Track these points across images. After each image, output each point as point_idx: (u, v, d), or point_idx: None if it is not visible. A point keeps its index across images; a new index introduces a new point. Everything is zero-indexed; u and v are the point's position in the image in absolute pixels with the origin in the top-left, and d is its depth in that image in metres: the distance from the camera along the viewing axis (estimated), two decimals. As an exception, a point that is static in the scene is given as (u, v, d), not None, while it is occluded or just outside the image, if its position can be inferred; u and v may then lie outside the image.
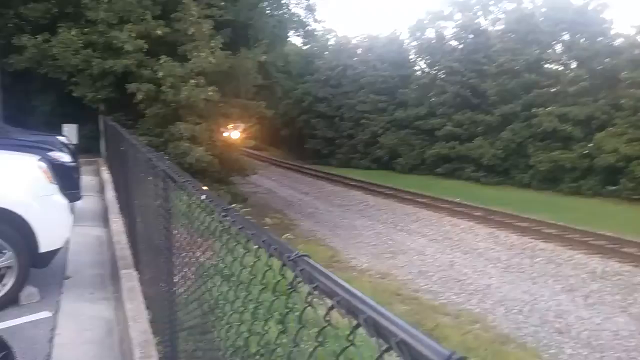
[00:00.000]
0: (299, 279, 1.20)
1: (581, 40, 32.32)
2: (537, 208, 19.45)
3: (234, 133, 29.10)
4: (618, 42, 31.25)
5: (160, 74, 15.02)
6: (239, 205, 9.38)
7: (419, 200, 21.24)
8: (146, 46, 15.47)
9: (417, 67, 43.39)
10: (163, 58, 15.12)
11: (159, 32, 15.69)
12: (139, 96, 15.03)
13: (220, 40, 16.07)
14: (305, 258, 1.24)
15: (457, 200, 21.24)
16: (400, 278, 12.57)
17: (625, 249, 13.80)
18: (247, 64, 17.40)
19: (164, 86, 15.03)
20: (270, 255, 1.39)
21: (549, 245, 14.54)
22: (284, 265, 1.28)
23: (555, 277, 12.39)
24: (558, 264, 13.21)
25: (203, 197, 2.35)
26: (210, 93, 15.13)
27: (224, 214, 1.94)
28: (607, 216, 18.80)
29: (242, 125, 30.94)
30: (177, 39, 16.16)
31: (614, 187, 25.73)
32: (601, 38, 31.45)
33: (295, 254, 1.26)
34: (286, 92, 38.92)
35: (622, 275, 12.26)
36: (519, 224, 16.61)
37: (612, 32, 31.97)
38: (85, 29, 15.78)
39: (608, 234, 14.99)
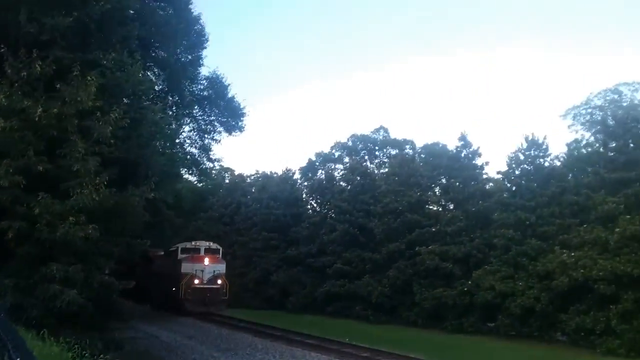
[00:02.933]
0: None
1: (456, 184, 35.35)
2: (422, 348, 19.73)
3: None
4: (488, 186, 34.62)
5: (37, 211, 14.24)
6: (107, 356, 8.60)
7: (308, 341, 21.00)
8: (24, 182, 14.76)
9: (308, 206, 44.88)
10: (41, 194, 14.43)
11: (40, 168, 15.11)
12: (10, 234, 14.00)
13: (106, 178, 15.72)
14: None
15: (346, 340, 21.13)
16: None
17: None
18: (134, 201, 17.02)
19: (39, 224, 14.18)
20: None
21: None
22: None
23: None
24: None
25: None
26: (90, 231, 14.45)
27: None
28: (486, 354, 19.38)
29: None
30: (60, 175, 15.60)
31: (492, 324, 26.92)
32: (474, 182, 34.66)
33: None
34: (177, 230, 38.18)
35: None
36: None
37: (484, 177, 35.49)
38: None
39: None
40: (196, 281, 29.09)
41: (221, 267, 30.54)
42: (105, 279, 15.20)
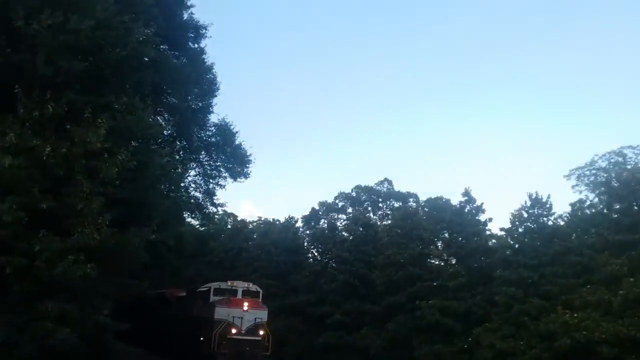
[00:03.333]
0: None
1: (459, 239, 35.26)
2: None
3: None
4: (491, 242, 34.51)
5: (37, 248, 14.32)
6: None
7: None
8: (26, 219, 14.89)
9: (309, 255, 44.76)
10: (42, 232, 14.54)
11: (43, 206, 15.28)
12: (8, 270, 14.04)
13: (109, 218, 15.85)
14: None
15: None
16: None
17: None
18: (135, 242, 17.08)
19: (38, 260, 14.24)
20: None
21: None
22: None
23: None
24: None
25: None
26: (88, 270, 14.48)
27: None
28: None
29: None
30: (63, 213, 15.74)
31: (492, 383, 26.32)
32: (476, 238, 34.56)
33: None
34: (176, 272, 38.03)
35: None
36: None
37: (487, 233, 35.40)
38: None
39: None
40: (233, 330, 23.95)
41: (263, 315, 25.47)
42: (101, 319, 15.11)
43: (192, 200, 32.54)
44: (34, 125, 15.43)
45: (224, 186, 33.59)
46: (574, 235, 31.48)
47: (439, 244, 38.42)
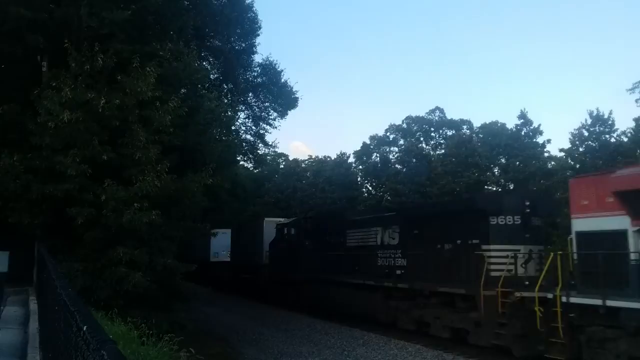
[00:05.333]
0: None
1: (516, 163, 34.36)
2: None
3: None
4: (550, 164, 33.46)
5: (103, 197, 14.86)
6: (169, 336, 8.93)
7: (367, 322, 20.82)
8: (90, 170, 15.41)
9: (363, 189, 44.85)
10: (107, 182, 15.04)
11: (104, 157, 15.73)
12: (79, 220, 14.70)
13: (167, 164, 16.20)
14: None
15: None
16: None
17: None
18: (193, 187, 17.47)
19: (105, 210, 14.82)
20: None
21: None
22: None
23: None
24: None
25: (85, 327, 2.26)
26: (153, 217, 14.98)
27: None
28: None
29: None
30: (123, 163, 16.19)
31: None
32: (534, 161, 33.60)
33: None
34: (235, 214, 39.03)
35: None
36: (464, 346, 16.40)
37: (545, 155, 34.31)
38: (29, 155, 15.70)
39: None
40: None
41: None
42: (169, 262, 15.72)
43: (244, 143, 32.88)
44: (86, 79, 15.70)
45: (274, 126, 33.70)
46: (638, 151, 30.02)
47: (496, 170, 37.62)
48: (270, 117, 33.45)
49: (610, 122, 30.61)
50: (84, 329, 2.22)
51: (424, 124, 47.12)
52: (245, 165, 41.70)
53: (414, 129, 47.28)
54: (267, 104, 33.11)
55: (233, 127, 29.08)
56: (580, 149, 30.47)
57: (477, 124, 43.59)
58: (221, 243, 35.19)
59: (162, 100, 16.20)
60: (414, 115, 47.86)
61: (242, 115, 33.07)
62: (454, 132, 44.92)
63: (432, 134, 48.12)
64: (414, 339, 17.44)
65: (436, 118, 47.24)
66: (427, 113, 47.89)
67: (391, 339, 17.70)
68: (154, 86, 15.85)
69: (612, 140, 30.31)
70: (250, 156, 35.08)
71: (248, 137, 34.04)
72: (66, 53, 15.86)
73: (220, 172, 22.99)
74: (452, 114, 49.22)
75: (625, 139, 30.82)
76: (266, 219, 30.99)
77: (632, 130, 31.32)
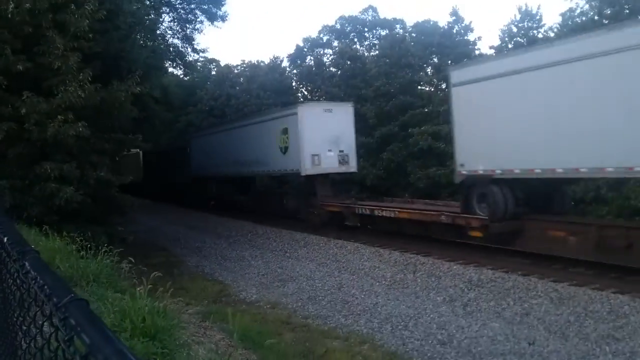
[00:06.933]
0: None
1: (448, 62, 34.64)
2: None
3: None
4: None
5: (23, 111, 13.98)
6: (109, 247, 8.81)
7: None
8: (5, 82, 14.34)
9: (299, 94, 44.35)
10: (26, 94, 14.10)
11: (19, 67, 14.62)
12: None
13: (89, 73, 15.28)
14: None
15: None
16: (290, 306, 12.52)
17: (498, 257, 14.91)
18: (120, 96, 16.68)
19: (27, 124, 13.99)
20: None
21: (428, 259, 15.26)
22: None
23: (437, 290, 13.00)
24: (438, 277, 13.88)
25: (5, 239, 2.14)
26: (80, 129, 14.30)
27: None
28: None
29: None
30: (41, 74, 15.15)
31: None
32: (466, 59, 33.94)
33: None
34: (167, 125, 37.91)
35: (496, 281, 13.13)
36: (400, 241, 17.33)
37: (476, 52, 34.71)
38: None
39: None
40: None
41: None
42: (102, 175, 15.26)
43: (171, 49, 31.37)
44: (-11, -21, 14.16)
45: (202, 30, 32.18)
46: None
47: (429, 69, 37.89)
48: (197, 19, 31.79)
49: (538, 17, 31.07)
50: (5, 240, 2.08)
51: (357, 24, 46.24)
52: (175, 72, 40.08)
53: (348, 30, 46.42)
54: (193, 5, 31.32)
55: (158, 32, 27.57)
56: (509, 46, 30.98)
57: (410, 23, 43.33)
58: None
59: (77, 3, 14.96)
60: (347, 15, 46.83)
61: (167, 18, 31.27)
62: (387, 32, 44.44)
63: (366, 34, 47.47)
64: (352, 238, 18.17)
65: (369, 17, 46.37)
66: (360, 12, 46.94)
67: (331, 240, 18.37)
68: (67, -13, 14.56)
69: (540, 35, 30.91)
70: (179, 62, 33.65)
71: (176, 41, 32.44)
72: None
73: (148, 80, 22.01)
74: (385, 13, 48.51)
75: (552, 34, 31.50)
76: None
77: (558, 25, 31.98)
